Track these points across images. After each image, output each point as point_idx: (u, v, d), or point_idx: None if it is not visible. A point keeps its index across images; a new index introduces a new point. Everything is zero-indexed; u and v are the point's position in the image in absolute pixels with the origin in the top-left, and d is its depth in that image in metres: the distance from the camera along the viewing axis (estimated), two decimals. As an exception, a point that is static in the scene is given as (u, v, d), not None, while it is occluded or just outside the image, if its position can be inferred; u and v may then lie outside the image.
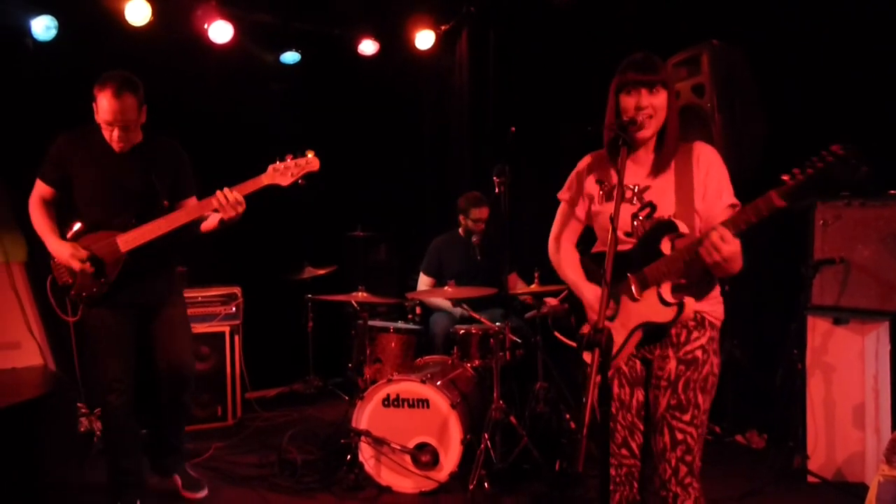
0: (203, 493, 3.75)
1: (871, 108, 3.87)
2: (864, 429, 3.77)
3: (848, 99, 3.98)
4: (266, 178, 3.30)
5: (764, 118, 4.04)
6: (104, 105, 3.29)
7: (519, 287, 4.96)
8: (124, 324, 3.48)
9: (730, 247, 2.01)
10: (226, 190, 3.24)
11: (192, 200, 3.50)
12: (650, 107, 2.25)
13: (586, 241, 2.60)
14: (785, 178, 1.91)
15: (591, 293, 2.39)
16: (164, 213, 3.36)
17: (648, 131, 2.27)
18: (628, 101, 2.26)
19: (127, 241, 3.33)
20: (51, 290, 3.48)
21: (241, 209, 3.26)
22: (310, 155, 3.40)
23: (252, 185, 3.30)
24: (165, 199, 3.45)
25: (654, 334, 2.28)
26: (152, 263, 3.46)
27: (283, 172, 3.31)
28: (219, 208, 3.24)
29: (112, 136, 3.34)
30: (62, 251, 3.34)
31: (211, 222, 3.45)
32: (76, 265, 3.30)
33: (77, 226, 3.44)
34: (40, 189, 3.49)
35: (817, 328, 3.91)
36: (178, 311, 3.69)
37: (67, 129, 3.52)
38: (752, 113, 4.02)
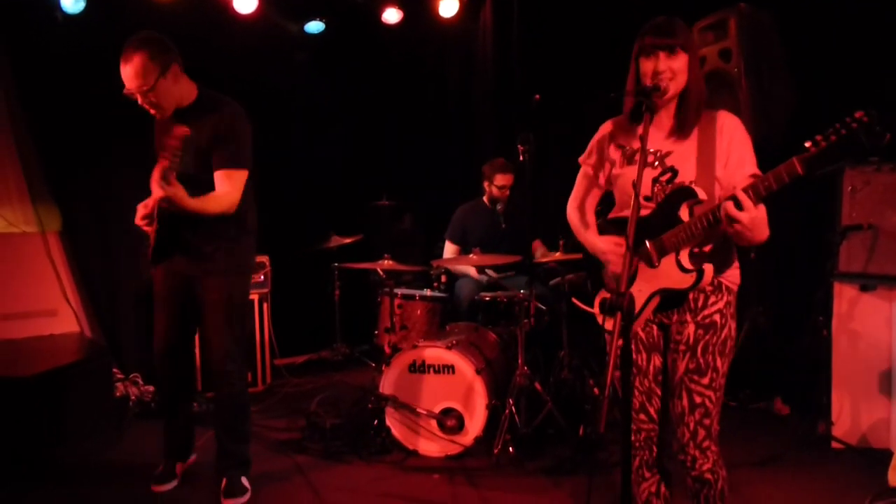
0: (241, 500, 3.37)
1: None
2: (891, 395, 3.77)
3: (877, 63, 3.90)
4: None
5: (791, 83, 3.98)
6: (122, 74, 3.16)
7: (541, 254, 4.98)
8: (173, 287, 3.39)
9: (748, 213, 1.98)
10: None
11: (220, 174, 3.23)
12: (668, 70, 2.23)
13: (605, 205, 2.61)
14: (807, 144, 1.89)
15: (606, 242, 2.39)
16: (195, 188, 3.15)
17: (669, 94, 2.26)
18: (647, 66, 2.25)
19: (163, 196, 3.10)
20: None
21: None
22: None
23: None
24: (193, 170, 3.21)
25: (671, 300, 2.29)
26: (186, 234, 3.29)
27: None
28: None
29: (140, 103, 3.22)
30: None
31: None
32: (141, 209, 3.21)
33: None
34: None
35: (844, 295, 3.89)
36: (211, 297, 3.35)
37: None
38: (779, 78, 3.96)
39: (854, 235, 3.80)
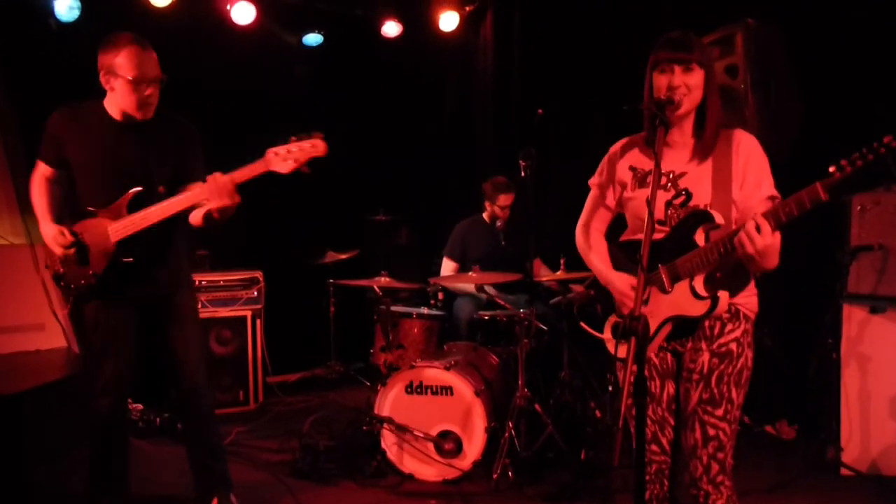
0: None
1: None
2: (902, 421, 3.67)
3: (886, 78, 3.84)
4: (263, 165, 2.83)
5: (800, 99, 3.91)
6: (132, 61, 2.93)
7: (542, 273, 4.89)
8: (121, 320, 3.11)
9: (765, 239, 1.91)
10: (217, 174, 2.82)
11: (198, 186, 2.95)
12: (683, 86, 2.15)
13: (614, 230, 2.51)
14: (831, 169, 1.81)
15: (620, 281, 2.30)
16: (160, 200, 2.95)
17: (683, 110, 2.18)
18: (661, 80, 2.17)
19: (117, 230, 2.95)
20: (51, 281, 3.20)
21: (233, 200, 2.81)
22: (317, 138, 2.90)
23: (248, 171, 2.83)
24: (162, 185, 3.02)
25: (684, 328, 2.19)
26: (151, 254, 3.07)
27: (285, 158, 2.83)
28: (206, 195, 2.83)
29: (144, 96, 2.97)
30: (47, 233, 3.04)
31: (195, 216, 2.98)
32: (59, 251, 2.99)
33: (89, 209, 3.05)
34: (41, 168, 3.13)
35: (853, 317, 3.81)
36: (184, 312, 3.22)
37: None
38: (787, 93, 3.89)
39: (864, 256, 3.73)
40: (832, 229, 3.92)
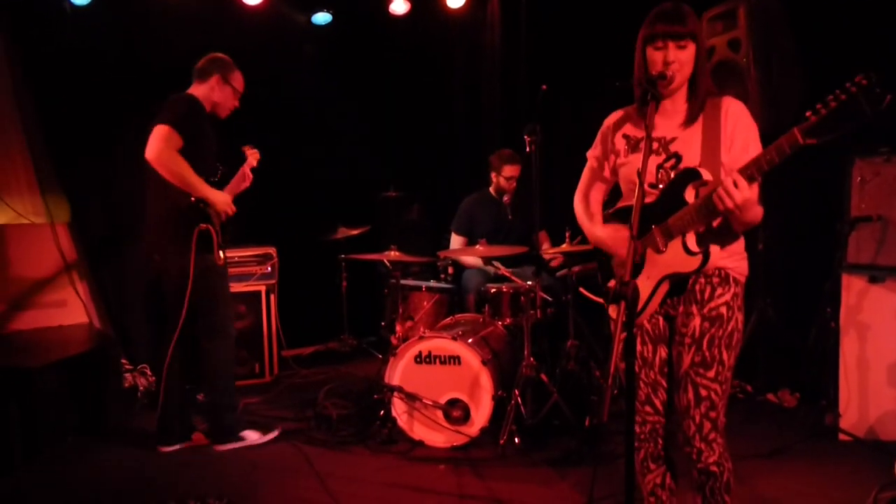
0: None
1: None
2: (899, 387, 3.75)
3: (890, 53, 3.86)
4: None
5: (801, 73, 3.95)
6: (241, 81, 4.02)
7: (546, 245, 4.96)
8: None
9: (742, 193, 1.98)
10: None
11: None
12: (677, 61, 2.21)
13: (612, 200, 2.59)
14: (808, 114, 1.87)
15: (602, 231, 2.39)
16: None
17: (676, 83, 2.24)
18: (656, 56, 2.22)
19: (230, 191, 3.90)
20: (202, 240, 3.69)
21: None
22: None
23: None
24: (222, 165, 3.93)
25: (679, 286, 2.27)
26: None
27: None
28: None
29: (234, 105, 4.01)
30: (223, 198, 3.77)
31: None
32: (231, 211, 3.79)
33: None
34: (176, 141, 3.60)
35: (852, 286, 3.86)
36: None
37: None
38: (789, 68, 3.93)
39: (863, 227, 3.78)
40: (832, 200, 3.97)
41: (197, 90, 3.90)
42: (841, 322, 3.88)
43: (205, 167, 3.73)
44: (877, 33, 3.93)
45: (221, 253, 3.73)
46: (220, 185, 3.87)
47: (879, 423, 3.80)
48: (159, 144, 3.56)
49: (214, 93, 3.91)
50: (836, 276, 3.90)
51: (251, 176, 4.06)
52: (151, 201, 3.82)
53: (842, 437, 3.84)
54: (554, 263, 4.87)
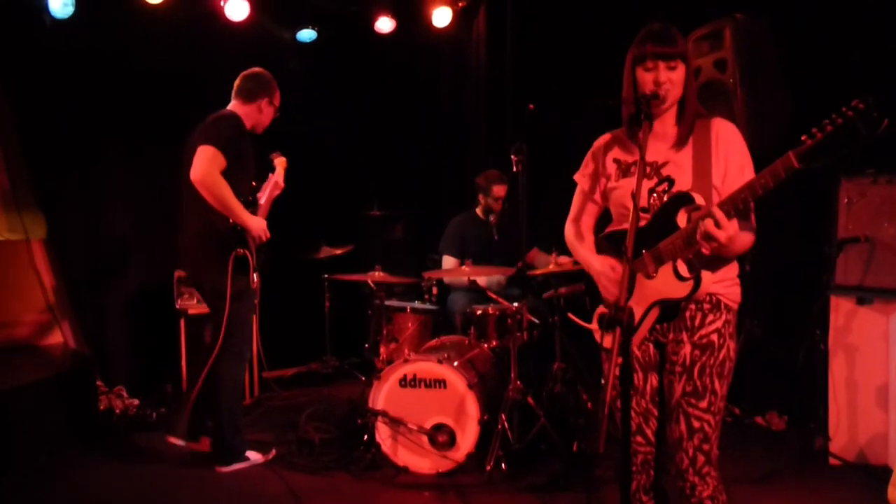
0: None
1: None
2: (888, 410, 3.72)
3: (874, 72, 3.88)
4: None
5: (788, 94, 3.95)
6: (279, 99, 4.05)
7: (540, 260, 4.92)
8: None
9: (726, 231, 1.95)
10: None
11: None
12: (668, 82, 2.18)
13: (603, 224, 2.55)
14: (804, 137, 1.83)
15: (601, 263, 2.34)
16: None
17: (667, 104, 2.22)
18: (646, 77, 2.19)
19: (263, 214, 3.89)
20: (239, 264, 3.73)
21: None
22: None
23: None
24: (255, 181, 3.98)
25: (669, 313, 2.22)
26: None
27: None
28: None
29: (272, 118, 4.03)
30: (259, 224, 3.77)
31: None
32: (265, 237, 3.79)
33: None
34: (220, 163, 3.61)
35: (841, 308, 3.85)
36: None
37: (203, 111, 3.87)
38: (775, 89, 3.92)
39: (851, 248, 3.77)
40: (820, 222, 3.97)
41: (240, 109, 3.90)
42: (829, 344, 3.86)
43: (242, 188, 3.76)
44: (861, 53, 3.95)
45: (255, 276, 3.77)
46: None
47: (869, 447, 3.77)
48: (205, 167, 3.55)
49: (262, 114, 3.96)
50: (824, 298, 3.89)
51: (282, 184, 4.03)
52: (188, 218, 3.82)
53: (832, 461, 3.81)
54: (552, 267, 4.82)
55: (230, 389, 3.85)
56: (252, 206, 3.84)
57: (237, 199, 3.65)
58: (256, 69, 4.05)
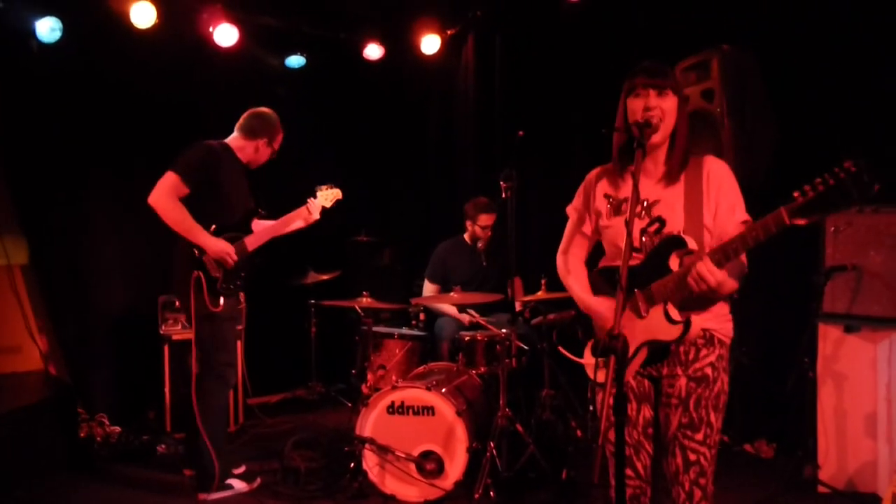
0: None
1: (884, 113, 3.83)
2: (877, 438, 3.72)
3: (860, 104, 3.93)
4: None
5: (775, 124, 4.00)
6: (280, 142, 4.16)
7: (520, 293, 4.91)
8: (237, 314, 4.10)
9: (716, 276, 2.00)
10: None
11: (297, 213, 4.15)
12: (658, 108, 2.19)
13: (595, 257, 2.55)
14: (795, 194, 1.86)
15: (600, 305, 2.33)
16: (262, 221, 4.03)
17: (659, 136, 2.21)
18: (636, 104, 2.21)
19: (251, 242, 3.90)
20: (196, 286, 3.69)
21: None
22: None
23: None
24: (262, 209, 4.06)
25: (658, 353, 2.23)
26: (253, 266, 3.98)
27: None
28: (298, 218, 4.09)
29: (268, 158, 4.13)
30: (220, 247, 3.72)
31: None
32: (230, 260, 3.73)
33: (212, 227, 3.77)
34: (179, 189, 3.70)
35: (828, 336, 3.86)
36: None
37: (191, 137, 3.88)
38: (762, 118, 3.98)
39: (838, 276, 3.78)
40: (807, 250, 3.98)
41: (236, 143, 4.01)
42: (818, 372, 3.86)
43: (219, 216, 3.80)
44: (850, 85, 4.00)
45: (221, 300, 3.75)
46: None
47: (858, 475, 3.76)
48: (157, 191, 3.68)
49: (258, 153, 4.06)
50: (812, 326, 3.90)
51: (314, 216, 4.13)
52: (173, 242, 3.85)
53: (821, 489, 3.80)
54: (527, 314, 4.81)
55: (210, 414, 3.79)
56: (235, 230, 3.86)
57: (195, 223, 3.69)
58: (265, 109, 4.14)
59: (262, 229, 3.99)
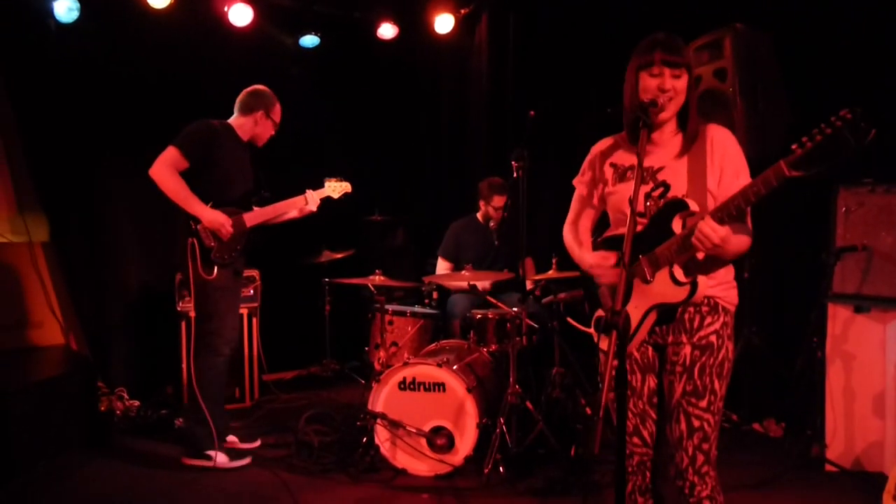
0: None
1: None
2: (885, 418, 3.73)
3: (874, 85, 3.90)
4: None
5: (787, 104, 3.97)
6: (279, 114, 4.23)
7: (531, 273, 4.94)
8: (239, 288, 4.22)
9: (718, 232, 2.00)
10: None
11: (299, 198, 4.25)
12: (672, 90, 2.21)
13: (601, 228, 2.58)
14: (794, 146, 1.88)
15: (591, 257, 2.37)
16: (266, 202, 4.16)
17: (667, 113, 2.24)
18: (650, 82, 2.22)
19: (250, 218, 4.02)
20: (190, 252, 3.83)
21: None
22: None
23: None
24: (266, 190, 4.24)
25: (667, 316, 2.25)
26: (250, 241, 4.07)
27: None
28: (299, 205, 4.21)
29: (271, 135, 4.22)
30: (216, 218, 3.84)
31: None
32: (225, 232, 3.84)
33: (209, 202, 3.87)
34: (178, 162, 3.83)
35: (838, 316, 3.87)
36: None
37: (206, 116, 4.00)
38: (775, 98, 3.95)
39: (848, 257, 3.78)
40: (818, 231, 3.98)
41: (237, 121, 4.14)
42: (827, 352, 3.87)
43: (218, 190, 3.91)
44: (862, 64, 3.97)
45: (215, 269, 3.86)
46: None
47: (865, 454, 3.79)
48: (159, 163, 3.83)
49: (257, 126, 4.15)
50: (821, 306, 3.90)
51: (311, 208, 4.28)
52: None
53: (828, 467, 3.82)
54: (537, 293, 4.84)
55: (201, 377, 3.91)
56: (236, 205, 3.99)
57: (191, 193, 3.82)
58: (259, 86, 4.22)
59: (260, 210, 4.11)
